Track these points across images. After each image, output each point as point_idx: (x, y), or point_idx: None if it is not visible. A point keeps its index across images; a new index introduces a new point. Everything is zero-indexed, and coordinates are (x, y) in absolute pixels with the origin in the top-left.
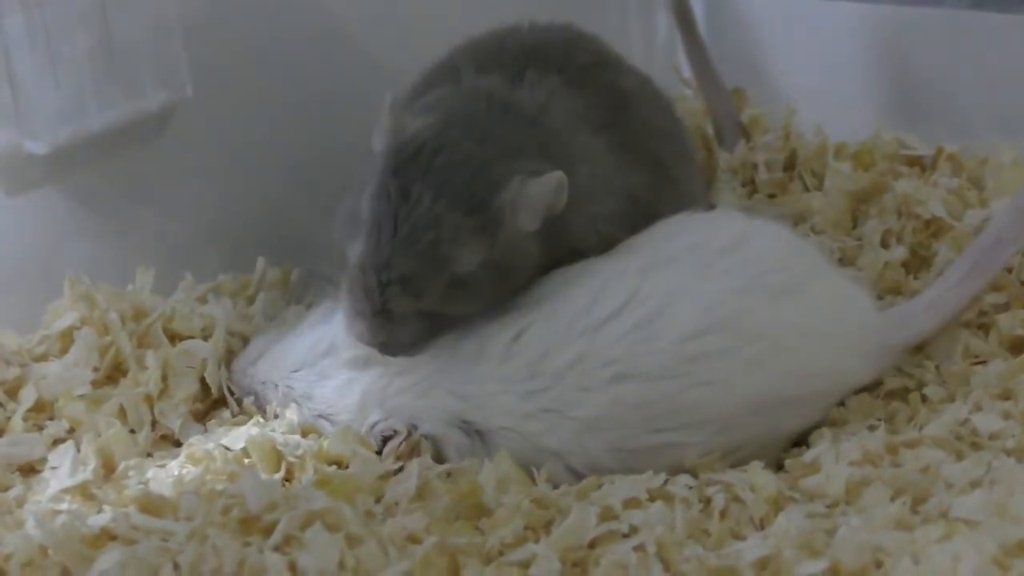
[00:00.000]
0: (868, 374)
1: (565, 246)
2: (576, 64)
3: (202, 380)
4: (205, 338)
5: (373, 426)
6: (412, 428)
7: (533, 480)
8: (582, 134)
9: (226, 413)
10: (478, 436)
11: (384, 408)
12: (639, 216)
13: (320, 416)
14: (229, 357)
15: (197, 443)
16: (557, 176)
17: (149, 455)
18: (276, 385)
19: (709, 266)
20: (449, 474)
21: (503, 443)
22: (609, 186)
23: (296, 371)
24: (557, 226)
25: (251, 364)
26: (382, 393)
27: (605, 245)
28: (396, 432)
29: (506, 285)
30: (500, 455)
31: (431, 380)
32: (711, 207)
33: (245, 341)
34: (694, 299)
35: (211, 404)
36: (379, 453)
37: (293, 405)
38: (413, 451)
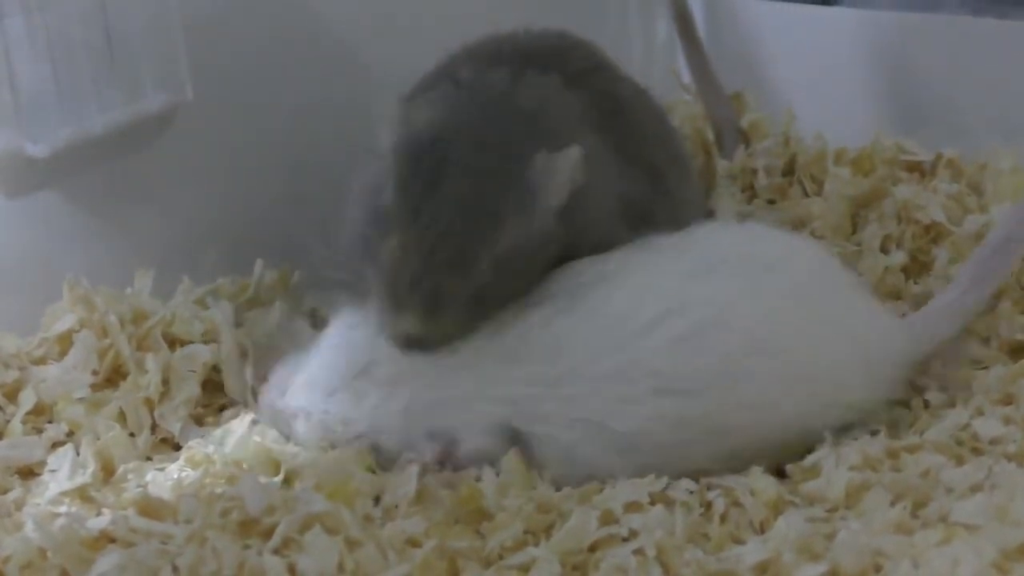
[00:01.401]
0: (893, 392)
1: (576, 233)
2: (572, 68)
3: (203, 384)
4: (205, 342)
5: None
6: (450, 446)
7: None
8: (581, 131)
9: (227, 413)
10: (523, 442)
11: (426, 424)
12: (635, 220)
13: (359, 437)
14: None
15: (197, 446)
16: (576, 150)
17: (149, 459)
18: (310, 413)
19: (756, 282)
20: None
21: (543, 448)
22: (608, 183)
23: (331, 396)
24: (572, 208)
25: (279, 398)
26: (421, 407)
27: (606, 244)
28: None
29: (539, 266)
30: (508, 455)
31: (473, 391)
32: (710, 213)
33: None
34: (741, 317)
35: (212, 408)
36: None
37: (323, 432)
38: (451, 460)
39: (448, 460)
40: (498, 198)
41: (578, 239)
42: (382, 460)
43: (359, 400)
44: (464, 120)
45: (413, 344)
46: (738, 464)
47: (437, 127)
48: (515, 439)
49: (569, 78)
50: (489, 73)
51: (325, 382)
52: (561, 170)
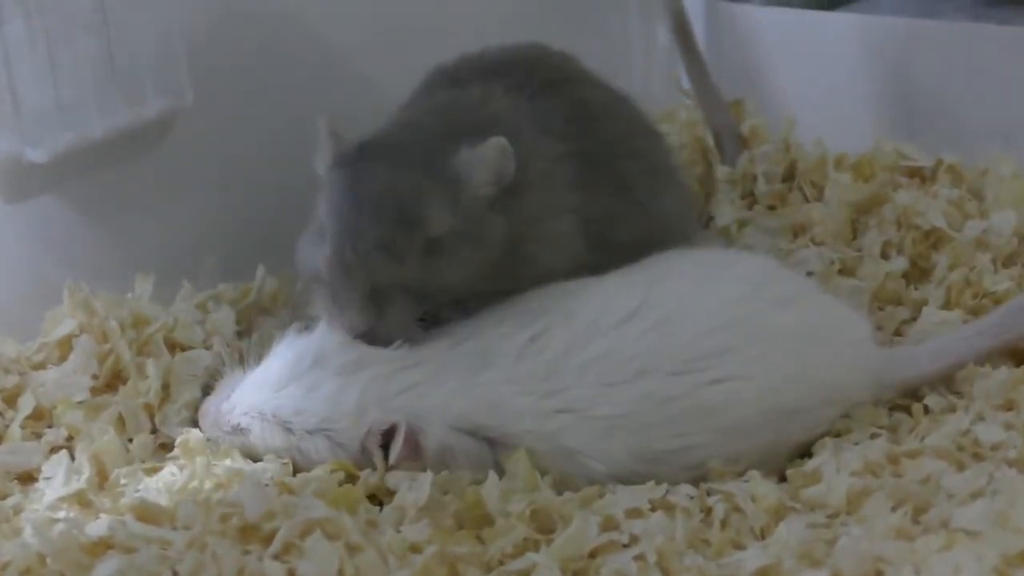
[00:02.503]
0: (868, 392)
1: (522, 230)
2: (539, 79)
3: (204, 389)
4: (206, 348)
5: (368, 432)
6: (415, 428)
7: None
8: (532, 136)
9: None
10: (487, 443)
11: (385, 409)
12: (595, 236)
13: (315, 431)
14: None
15: (193, 437)
16: (498, 140)
17: (144, 463)
18: (260, 413)
19: (708, 279)
20: (446, 492)
21: (520, 445)
22: (563, 188)
23: (281, 390)
24: (514, 201)
25: (224, 400)
26: (381, 393)
27: (562, 257)
28: (395, 426)
29: (478, 258)
30: (518, 454)
31: (436, 378)
32: (708, 220)
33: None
34: (701, 303)
35: None
36: (385, 457)
37: (278, 430)
38: (415, 450)
39: (415, 455)
40: (420, 188)
41: (526, 236)
42: (337, 453)
43: (312, 391)
44: (392, 128)
45: (368, 339)
46: (722, 445)
47: (364, 138)
48: (478, 438)
49: (535, 89)
50: (440, 91)
51: (275, 379)
52: (486, 159)
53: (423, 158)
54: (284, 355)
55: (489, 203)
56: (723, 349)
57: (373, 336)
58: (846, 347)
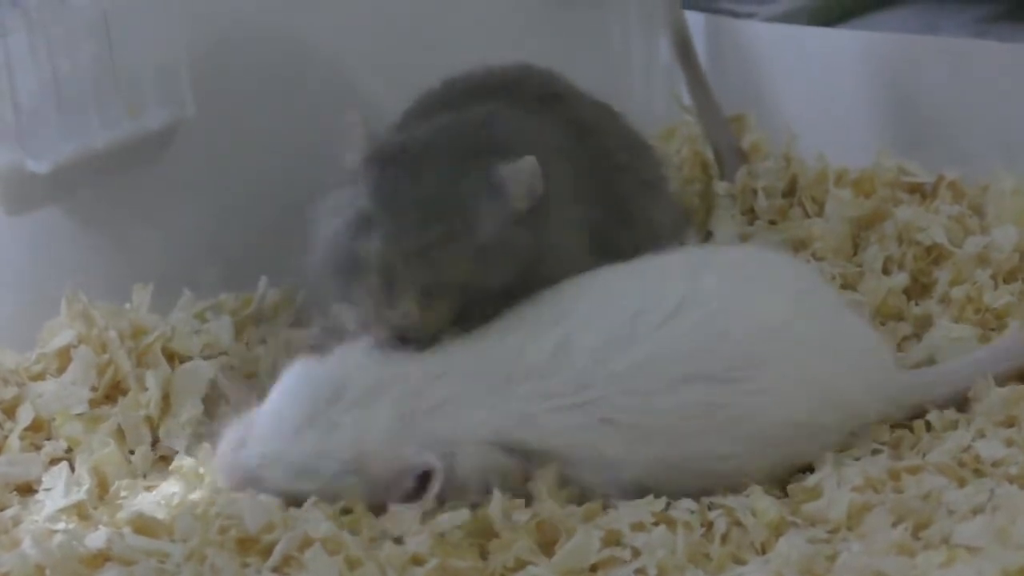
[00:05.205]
0: (882, 413)
1: (542, 246)
2: (529, 97)
3: (205, 400)
4: (205, 358)
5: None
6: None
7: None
8: (543, 154)
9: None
10: (524, 456)
11: (415, 438)
12: (598, 248)
13: (344, 473)
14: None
15: (187, 463)
16: (530, 160)
17: (146, 476)
18: (280, 461)
19: (752, 279)
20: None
21: (557, 457)
22: (571, 205)
23: (300, 433)
24: (537, 219)
25: (240, 449)
26: (408, 419)
27: (570, 265)
28: (431, 468)
29: (513, 270)
30: (545, 473)
31: (462, 393)
32: (708, 235)
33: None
34: (751, 303)
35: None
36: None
37: (303, 477)
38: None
39: (449, 484)
40: (471, 194)
41: (544, 253)
42: (371, 489)
43: (336, 428)
44: (427, 135)
45: (404, 338)
46: (752, 457)
47: (403, 140)
48: (512, 454)
49: (529, 108)
50: (448, 108)
51: (289, 423)
52: (522, 175)
53: (467, 167)
54: (299, 390)
55: (518, 218)
56: (761, 359)
57: (412, 334)
58: (873, 367)
